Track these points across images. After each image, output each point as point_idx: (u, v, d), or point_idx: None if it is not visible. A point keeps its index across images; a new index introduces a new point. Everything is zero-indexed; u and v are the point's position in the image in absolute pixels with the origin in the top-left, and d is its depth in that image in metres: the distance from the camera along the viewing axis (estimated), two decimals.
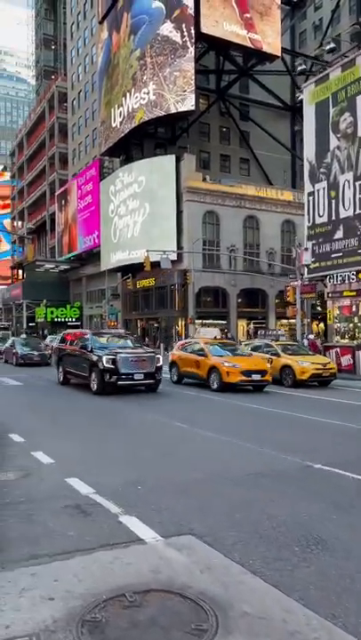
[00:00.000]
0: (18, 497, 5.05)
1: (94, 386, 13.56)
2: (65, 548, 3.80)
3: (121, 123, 43.70)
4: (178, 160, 39.72)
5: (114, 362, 13.08)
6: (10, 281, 77.90)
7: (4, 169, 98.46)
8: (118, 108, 44.21)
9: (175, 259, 36.02)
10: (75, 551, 3.74)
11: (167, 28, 38.14)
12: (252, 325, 41.45)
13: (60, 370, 16.31)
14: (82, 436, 8.48)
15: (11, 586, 3.18)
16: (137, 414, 10.82)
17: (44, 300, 55.47)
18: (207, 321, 38.77)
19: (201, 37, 38.09)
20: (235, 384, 14.21)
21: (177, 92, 37.84)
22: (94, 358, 13.59)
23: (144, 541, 3.94)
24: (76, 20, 58.61)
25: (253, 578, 3.34)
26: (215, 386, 14.50)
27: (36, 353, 26.08)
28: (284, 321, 39.88)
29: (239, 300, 40.76)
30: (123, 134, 43.51)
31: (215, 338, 22.90)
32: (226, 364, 14.41)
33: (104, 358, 13.21)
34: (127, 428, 9.20)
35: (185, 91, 37.41)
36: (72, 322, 56.17)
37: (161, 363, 14.19)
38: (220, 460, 6.82)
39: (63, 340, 17.10)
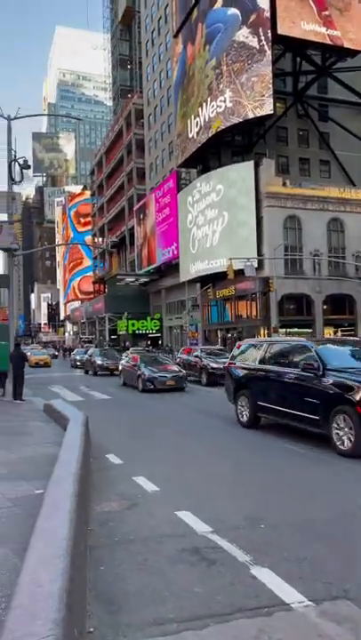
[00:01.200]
0: (127, 534, 4.48)
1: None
2: (194, 610, 3.14)
3: (198, 133, 43.60)
4: (256, 166, 38.87)
5: None
6: (92, 296, 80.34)
7: (85, 188, 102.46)
8: (195, 118, 44.18)
9: (256, 266, 35.14)
10: (207, 617, 3.06)
11: (243, 34, 37.59)
12: (339, 333, 39.38)
13: (246, 405, 9.99)
14: (180, 457, 7.86)
15: None
16: (233, 430, 10.06)
17: (126, 313, 56.44)
18: (291, 329, 37.31)
19: (278, 40, 37.19)
20: None
21: (255, 97, 37.08)
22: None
23: (290, 606, 3.18)
24: (151, 37, 59.76)
25: None
26: None
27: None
28: None
29: (325, 307, 38.87)
30: (200, 145, 43.36)
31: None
32: None
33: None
34: (228, 448, 8.47)
35: (263, 95, 36.56)
36: (153, 334, 56.67)
37: None
38: (351, 494, 5.89)
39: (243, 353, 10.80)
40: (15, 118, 15.58)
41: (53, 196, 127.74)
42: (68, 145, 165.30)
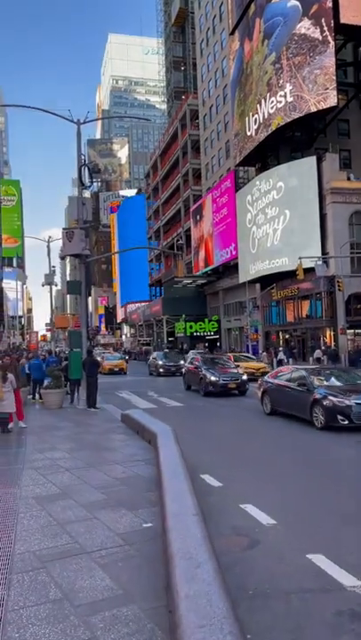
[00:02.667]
0: (260, 585, 3.87)
1: None
2: None
3: (256, 131, 42.60)
4: (319, 161, 37.47)
5: None
6: (149, 298, 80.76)
7: (139, 191, 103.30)
8: (253, 116, 43.20)
9: (322, 264, 33.80)
10: None
11: (305, 26, 36.29)
12: None
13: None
14: (283, 477, 7.16)
15: None
16: (339, 447, 9.24)
17: (183, 315, 56.14)
18: (360, 330, 35.66)
19: (339, 30, 35.67)
20: None
21: (317, 90, 35.70)
22: None
23: None
24: (205, 36, 59.22)
25: None
26: None
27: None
28: None
29: None
30: (259, 142, 42.34)
31: None
32: None
33: None
34: (336, 468, 7.69)
35: (327, 88, 35.12)
36: (210, 336, 56.05)
37: None
38: None
39: None
40: (84, 122, 15.40)
41: (108, 201, 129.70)
42: (121, 150, 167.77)
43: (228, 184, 48.77)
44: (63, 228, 14.45)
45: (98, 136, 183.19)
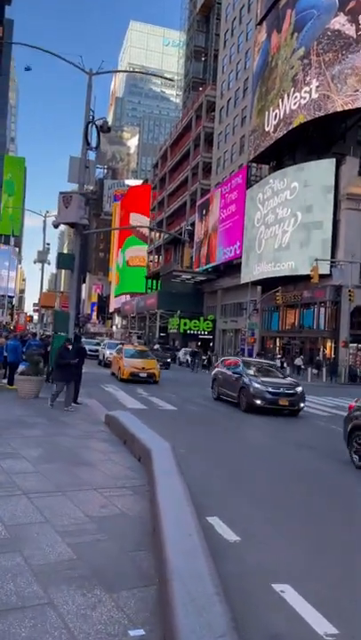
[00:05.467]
0: None
1: None
2: None
3: (275, 127, 40.70)
4: (338, 164, 35.71)
5: None
6: (144, 290, 78.72)
7: (145, 182, 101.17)
8: (273, 111, 41.27)
9: (328, 272, 32.06)
10: None
11: (339, 22, 34.39)
12: None
13: None
14: (331, 534, 5.24)
15: None
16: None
17: (178, 311, 54.17)
18: None
19: None
20: None
21: (346, 91, 33.81)
22: None
23: None
24: (231, 26, 57.19)
25: None
26: None
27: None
28: None
29: None
30: (276, 139, 40.45)
31: None
32: None
33: None
34: None
35: (356, 90, 33.23)
36: (204, 335, 54.12)
37: None
38: None
39: None
40: (97, 73, 13.36)
41: (113, 189, 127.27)
42: (131, 139, 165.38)
43: (240, 180, 46.88)
44: (60, 192, 12.43)
45: (110, 122, 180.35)
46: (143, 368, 20.29)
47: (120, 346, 25.35)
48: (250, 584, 3.88)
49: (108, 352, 28.22)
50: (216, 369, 17.77)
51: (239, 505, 5.96)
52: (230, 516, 5.29)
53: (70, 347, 11.64)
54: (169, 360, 35.97)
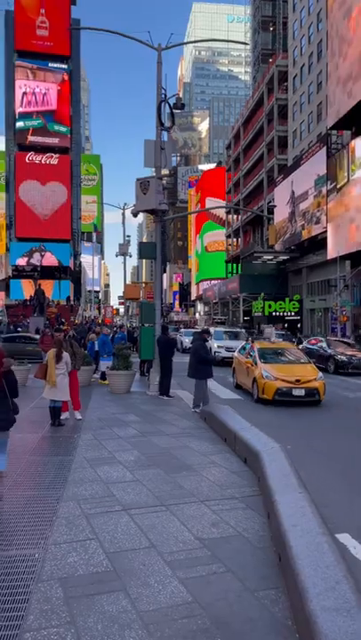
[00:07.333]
0: None
1: None
2: None
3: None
4: None
5: None
6: (225, 275, 77.67)
7: (219, 164, 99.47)
8: None
9: None
10: None
11: None
12: None
13: None
14: None
15: None
16: None
17: (262, 294, 52.61)
18: None
19: None
20: None
21: None
22: None
23: None
24: None
25: None
26: None
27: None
28: None
29: None
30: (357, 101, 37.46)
31: None
32: None
33: None
34: None
35: None
36: (291, 316, 52.16)
37: None
38: None
39: None
40: (166, 48, 12.63)
41: (187, 175, 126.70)
42: (201, 123, 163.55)
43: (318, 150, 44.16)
44: (137, 179, 11.89)
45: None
46: (298, 381, 11.90)
47: (248, 342, 15.99)
48: None
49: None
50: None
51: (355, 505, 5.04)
52: (359, 529, 4.40)
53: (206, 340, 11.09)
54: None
